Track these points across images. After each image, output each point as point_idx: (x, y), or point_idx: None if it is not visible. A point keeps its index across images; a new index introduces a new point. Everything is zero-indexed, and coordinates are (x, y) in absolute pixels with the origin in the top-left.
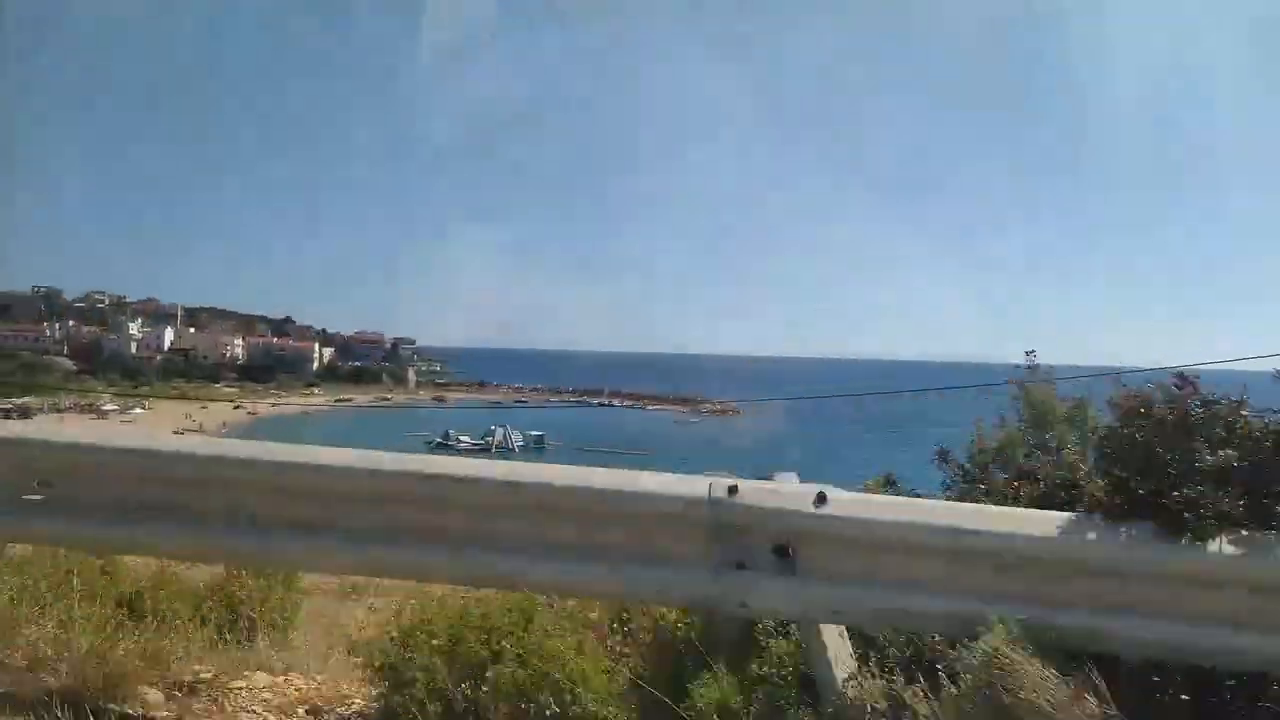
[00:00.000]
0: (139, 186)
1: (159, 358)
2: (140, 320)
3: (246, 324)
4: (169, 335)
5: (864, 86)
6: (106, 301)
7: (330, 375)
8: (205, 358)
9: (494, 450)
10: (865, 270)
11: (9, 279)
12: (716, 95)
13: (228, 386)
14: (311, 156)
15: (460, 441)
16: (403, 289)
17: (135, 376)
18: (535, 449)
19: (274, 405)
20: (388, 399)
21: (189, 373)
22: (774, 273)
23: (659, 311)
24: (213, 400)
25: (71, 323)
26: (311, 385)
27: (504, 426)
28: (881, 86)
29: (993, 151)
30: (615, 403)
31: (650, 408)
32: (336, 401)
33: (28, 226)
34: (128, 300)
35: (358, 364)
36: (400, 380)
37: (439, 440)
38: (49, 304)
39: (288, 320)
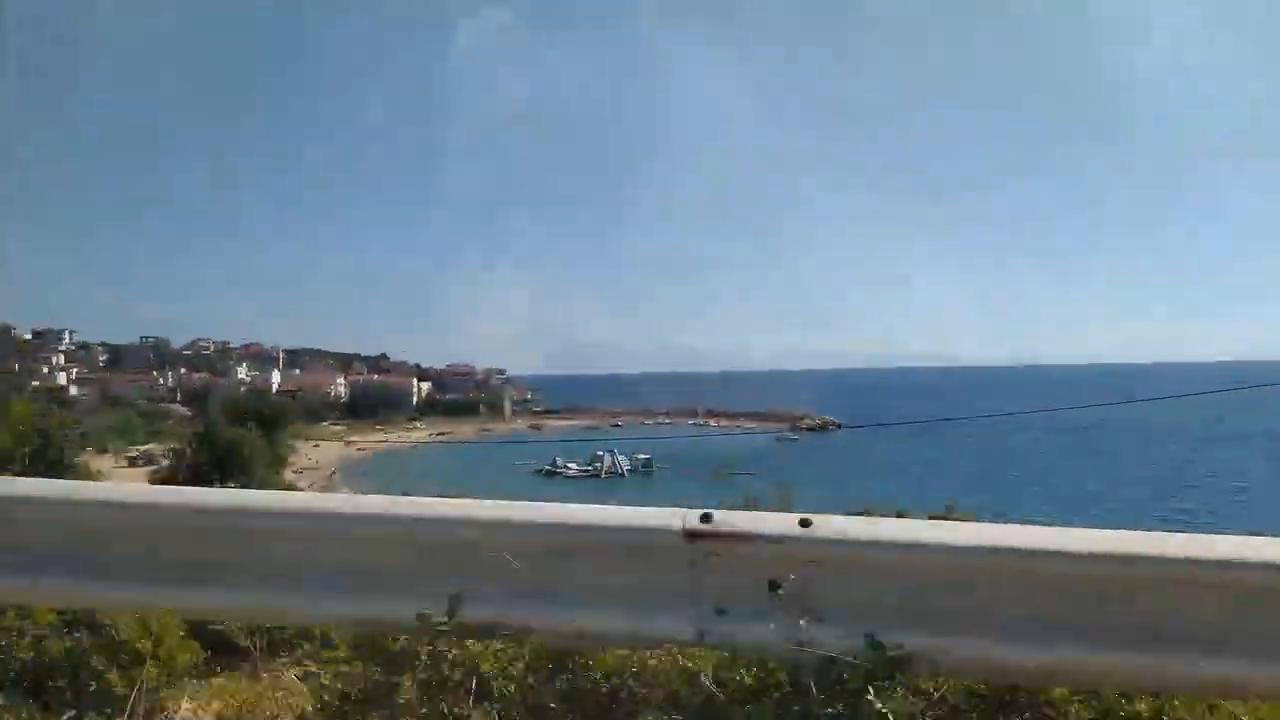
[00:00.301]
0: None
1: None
2: (246, 364)
3: (344, 363)
4: (275, 377)
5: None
6: (211, 348)
7: (430, 409)
8: (310, 397)
9: (604, 476)
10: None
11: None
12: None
13: (333, 425)
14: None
15: (568, 468)
16: (455, 316)
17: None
18: (644, 473)
19: (380, 442)
20: (489, 430)
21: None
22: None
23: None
24: (322, 439)
25: (182, 370)
26: (413, 420)
27: (610, 451)
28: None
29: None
30: (711, 423)
31: (746, 425)
32: (438, 435)
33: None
34: (232, 345)
35: (453, 397)
36: (497, 411)
37: (547, 468)
38: (158, 353)
39: (383, 357)
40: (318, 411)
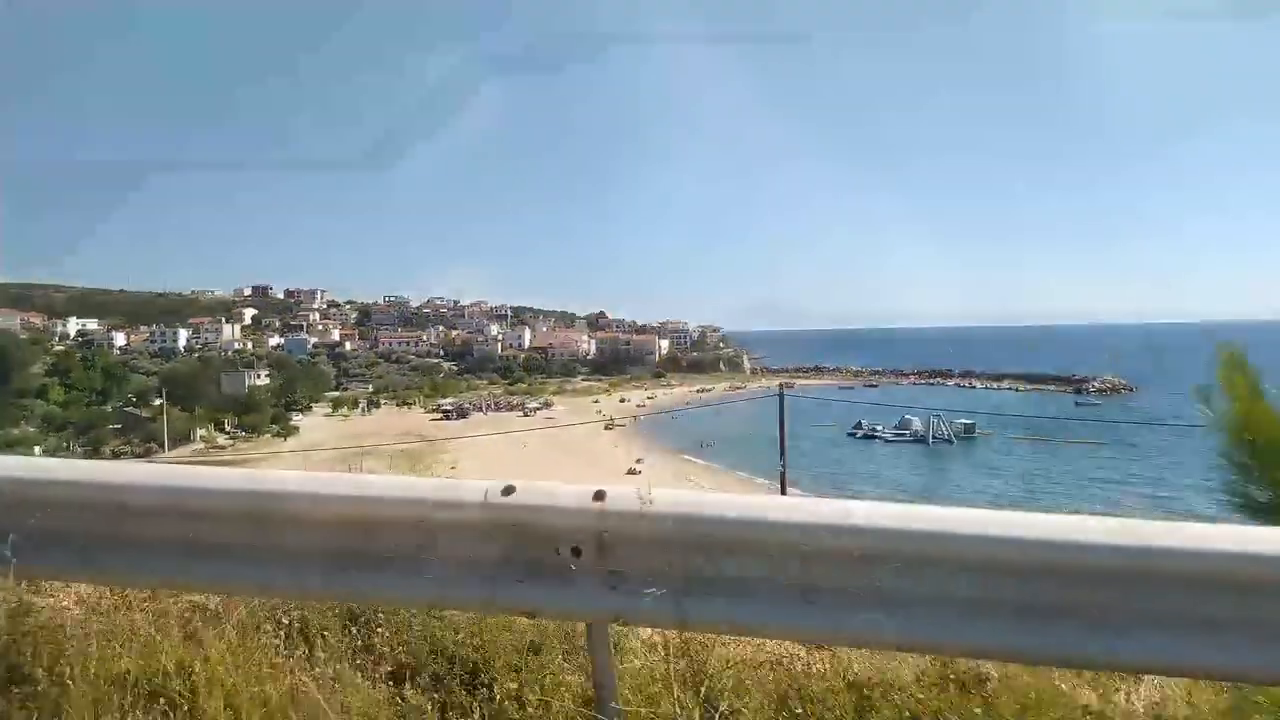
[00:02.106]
0: None
1: (522, 356)
2: (496, 324)
3: (564, 319)
4: (528, 335)
5: None
6: (446, 306)
7: (671, 366)
8: (560, 354)
9: (930, 443)
10: None
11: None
12: None
13: (584, 380)
14: None
15: (883, 432)
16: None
17: (508, 374)
18: (966, 439)
19: (704, 390)
20: (740, 387)
21: (547, 369)
22: None
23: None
24: (576, 393)
25: (440, 328)
26: (659, 376)
27: (936, 415)
28: None
29: None
30: (977, 384)
31: (1023, 389)
32: (697, 391)
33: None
34: (463, 304)
35: (695, 355)
36: (737, 368)
37: (860, 432)
38: (399, 309)
39: (601, 315)
40: (569, 368)
